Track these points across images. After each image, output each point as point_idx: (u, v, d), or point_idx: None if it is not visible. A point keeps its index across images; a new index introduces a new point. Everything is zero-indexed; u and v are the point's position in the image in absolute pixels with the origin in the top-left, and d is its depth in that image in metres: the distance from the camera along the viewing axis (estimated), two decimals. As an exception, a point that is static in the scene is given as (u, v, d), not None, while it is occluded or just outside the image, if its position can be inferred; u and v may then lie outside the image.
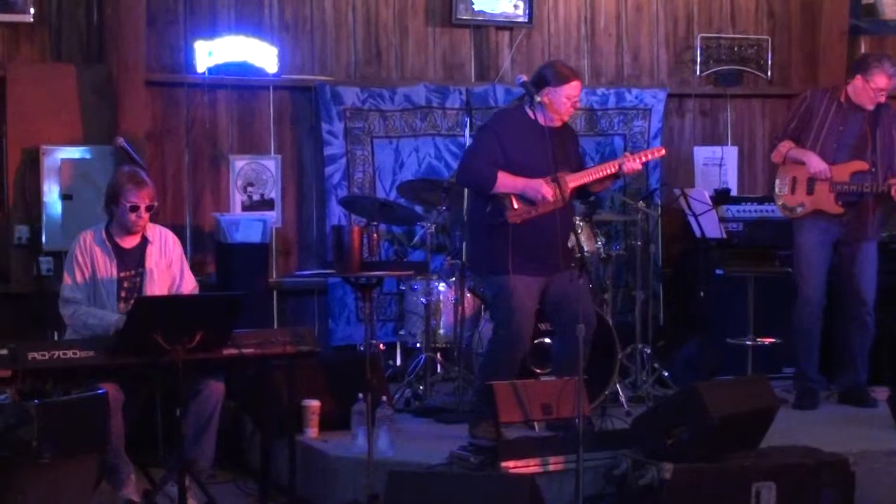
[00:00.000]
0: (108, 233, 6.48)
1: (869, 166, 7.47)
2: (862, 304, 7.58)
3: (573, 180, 6.62)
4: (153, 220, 6.61)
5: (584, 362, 5.88)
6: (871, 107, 7.52)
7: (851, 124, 7.55)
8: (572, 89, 6.61)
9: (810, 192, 7.56)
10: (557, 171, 6.55)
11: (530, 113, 6.65)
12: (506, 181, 6.51)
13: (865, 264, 7.59)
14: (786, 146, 7.68)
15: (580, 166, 6.85)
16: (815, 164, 7.50)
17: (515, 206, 6.52)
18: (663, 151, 7.19)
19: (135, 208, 6.39)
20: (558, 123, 6.66)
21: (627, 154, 6.85)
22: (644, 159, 6.80)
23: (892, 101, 7.73)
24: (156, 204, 6.54)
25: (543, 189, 6.49)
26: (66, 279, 6.43)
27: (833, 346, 7.87)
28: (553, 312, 6.79)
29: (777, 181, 7.80)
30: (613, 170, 6.70)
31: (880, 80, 7.46)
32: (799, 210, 7.61)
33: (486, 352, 6.90)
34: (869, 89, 7.47)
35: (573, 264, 6.93)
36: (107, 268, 6.42)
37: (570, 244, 6.85)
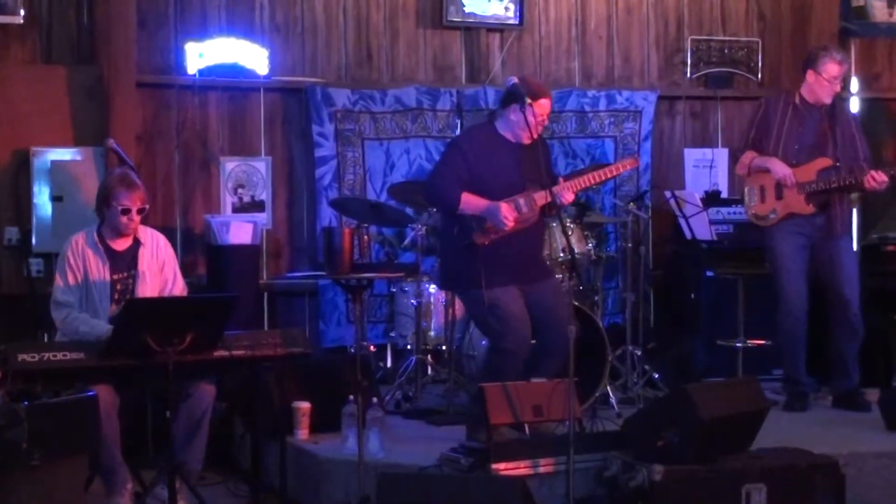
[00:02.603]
0: (99, 235, 6.47)
1: (833, 162, 7.49)
2: (846, 306, 7.53)
3: (540, 199, 6.50)
4: (144, 222, 6.61)
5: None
6: (829, 100, 7.52)
7: (809, 124, 7.55)
8: (539, 107, 6.49)
9: (779, 197, 7.56)
10: (525, 189, 6.50)
11: (500, 129, 6.60)
12: (469, 202, 6.42)
13: (843, 263, 7.56)
14: (748, 157, 7.68)
15: (553, 181, 6.65)
16: (779, 169, 7.50)
17: (482, 227, 6.47)
18: (635, 163, 7.19)
19: (126, 211, 6.38)
20: (526, 141, 6.54)
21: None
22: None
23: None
24: (147, 206, 6.53)
25: (502, 213, 6.36)
26: (59, 282, 6.41)
27: (823, 349, 7.86)
28: (535, 324, 6.59)
29: (745, 192, 7.78)
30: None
31: (832, 69, 7.47)
32: (772, 217, 7.59)
33: (486, 364, 6.72)
34: (823, 81, 7.48)
35: (553, 273, 6.93)
36: (99, 270, 6.41)
37: (546, 253, 6.86)
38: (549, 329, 6.51)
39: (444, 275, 6.95)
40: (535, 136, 6.52)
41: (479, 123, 7.06)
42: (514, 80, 6.77)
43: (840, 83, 7.57)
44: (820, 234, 7.55)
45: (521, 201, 6.49)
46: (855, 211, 9.66)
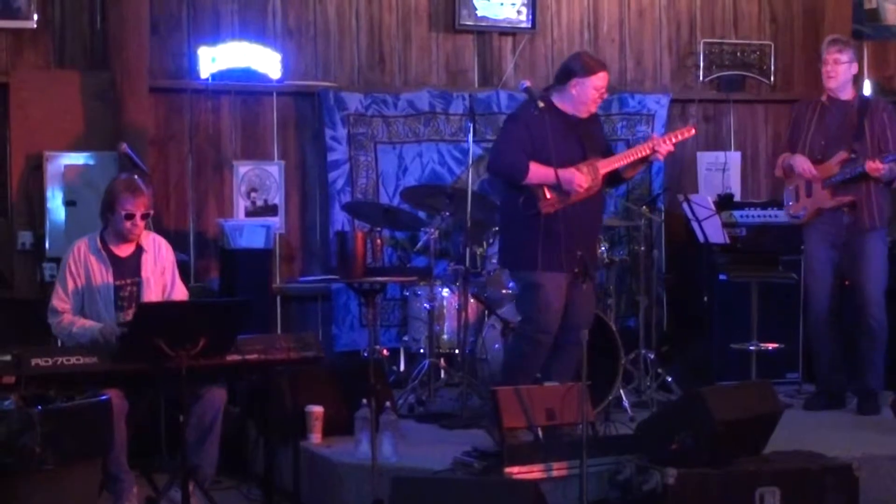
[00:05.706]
0: (103, 241, 6.46)
1: (849, 154, 7.53)
2: (862, 304, 7.55)
3: (604, 166, 6.63)
4: (153, 226, 6.61)
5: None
6: (832, 84, 7.61)
7: (834, 118, 7.64)
8: (599, 80, 6.61)
9: (809, 194, 7.66)
10: (587, 158, 6.58)
11: (558, 103, 6.65)
12: (538, 171, 6.50)
13: (867, 260, 7.57)
14: (782, 158, 7.85)
15: (608, 153, 6.84)
16: (800, 162, 7.63)
17: (548, 196, 6.51)
18: (693, 131, 7.15)
19: (130, 216, 6.38)
20: (584, 115, 6.67)
21: (655, 136, 6.85)
22: (675, 140, 6.81)
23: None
24: (152, 212, 6.53)
25: (577, 179, 6.49)
26: (57, 289, 6.42)
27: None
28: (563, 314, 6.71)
29: (784, 195, 7.94)
30: (646, 153, 6.70)
31: (823, 51, 7.68)
32: (802, 214, 7.72)
33: (510, 348, 6.88)
34: (822, 70, 7.66)
35: (596, 273, 6.96)
36: (102, 276, 6.40)
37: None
38: (566, 328, 6.61)
39: (502, 249, 7.04)
40: (594, 109, 6.68)
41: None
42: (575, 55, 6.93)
43: (837, 66, 7.60)
44: (848, 231, 7.58)
45: (585, 169, 6.57)
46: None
